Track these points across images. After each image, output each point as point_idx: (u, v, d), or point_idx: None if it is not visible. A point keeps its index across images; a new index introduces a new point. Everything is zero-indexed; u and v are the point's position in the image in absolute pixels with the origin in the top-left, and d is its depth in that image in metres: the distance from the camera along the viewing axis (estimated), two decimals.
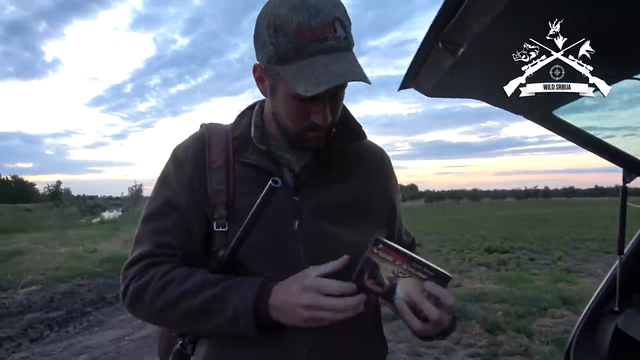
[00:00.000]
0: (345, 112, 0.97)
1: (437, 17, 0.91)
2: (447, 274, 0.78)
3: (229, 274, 0.86)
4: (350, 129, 0.98)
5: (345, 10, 0.81)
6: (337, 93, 0.85)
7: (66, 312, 5.91)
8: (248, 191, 0.83)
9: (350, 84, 0.84)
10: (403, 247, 0.78)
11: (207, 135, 0.95)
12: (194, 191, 0.90)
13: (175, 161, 0.95)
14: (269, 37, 0.79)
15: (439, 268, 0.78)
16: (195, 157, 0.93)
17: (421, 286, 0.77)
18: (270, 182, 0.79)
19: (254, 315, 0.80)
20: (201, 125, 0.99)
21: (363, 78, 0.78)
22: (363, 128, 0.98)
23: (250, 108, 1.01)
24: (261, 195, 0.80)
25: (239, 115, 1.01)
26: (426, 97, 1.36)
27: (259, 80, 0.89)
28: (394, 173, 1.07)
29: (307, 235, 0.87)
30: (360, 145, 1.00)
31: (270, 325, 0.81)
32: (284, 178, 0.91)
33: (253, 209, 0.80)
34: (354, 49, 0.83)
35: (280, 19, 0.77)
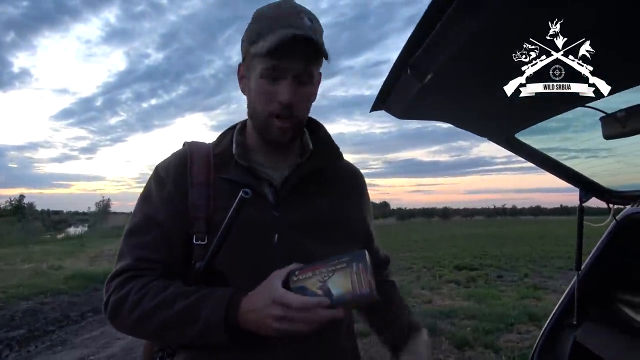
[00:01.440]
0: (325, 133, 1.05)
1: (405, 45, 0.98)
2: (359, 250, 0.83)
3: (207, 285, 0.87)
4: (329, 148, 1.03)
5: (319, 23, 0.92)
6: (302, 79, 0.89)
7: (28, 330, 5.66)
8: (227, 206, 0.85)
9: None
10: (378, 264, 0.82)
11: (189, 152, 0.98)
12: (175, 206, 0.93)
13: (157, 178, 0.97)
14: (248, 27, 0.91)
15: (350, 252, 0.83)
16: (176, 174, 0.95)
17: (348, 272, 0.81)
18: (241, 193, 0.82)
19: (225, 325, 0.81)
20: (184, 144, 1.02)
21: (317, 41, 0.85)
22: (340, 149, 1.04)
23: (232, 128, 1.05)
24: (233, 206, 0.82)
25: (221, 134, 1.04)
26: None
27: (240, 79, 0.97)
28: (367, 192, 1.12)
29: (285, 248, 0.90)
30: (337, 164, 1.06)
31: (242, 334, 0.83)
32: (264, 193, 0.94)
33: (226, 220, 0.83)
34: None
35: (258, 12, 0.91)
